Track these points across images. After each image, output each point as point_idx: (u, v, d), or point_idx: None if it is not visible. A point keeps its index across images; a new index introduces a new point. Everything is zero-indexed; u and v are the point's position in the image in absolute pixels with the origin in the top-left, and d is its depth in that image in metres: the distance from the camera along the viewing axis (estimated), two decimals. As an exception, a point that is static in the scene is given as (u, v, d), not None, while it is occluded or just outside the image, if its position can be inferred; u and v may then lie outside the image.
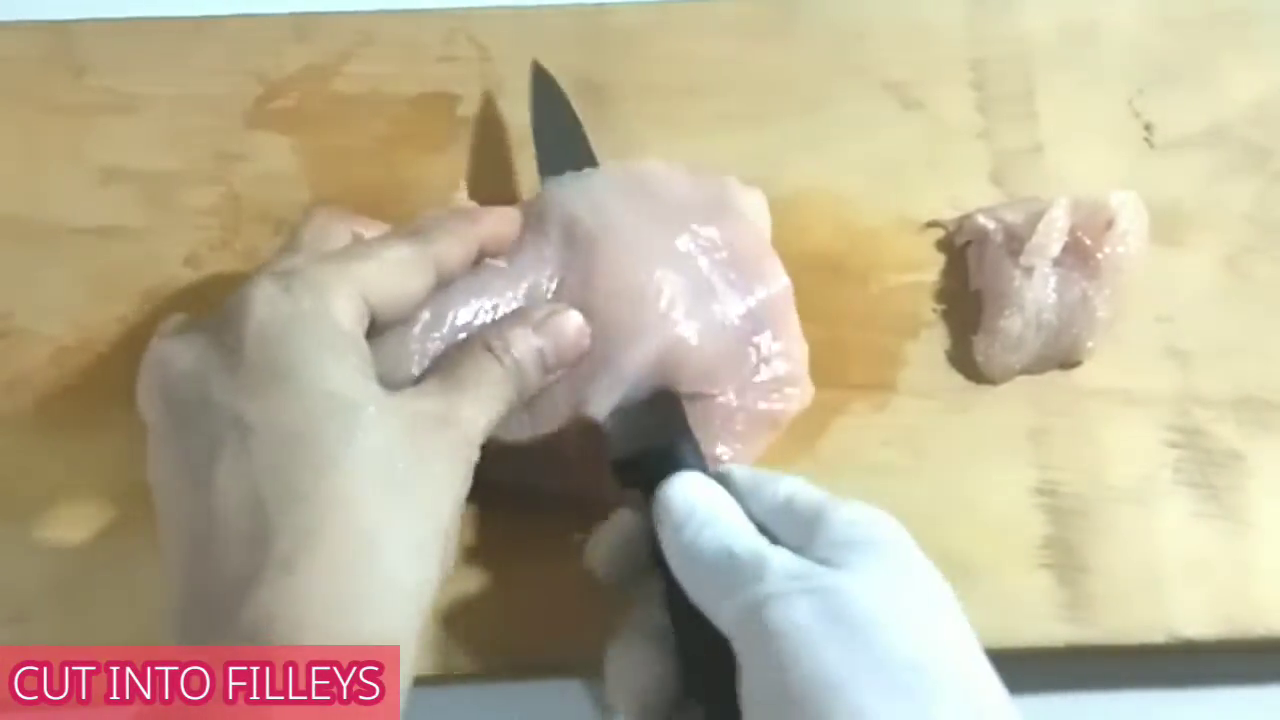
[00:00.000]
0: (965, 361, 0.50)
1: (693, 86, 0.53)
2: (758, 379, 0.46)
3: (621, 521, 0.41)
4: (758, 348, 0.46)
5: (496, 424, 0.41)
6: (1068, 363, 0.50)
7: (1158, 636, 0.46)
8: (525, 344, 0.42)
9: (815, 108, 0.53)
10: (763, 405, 0.46)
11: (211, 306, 0.46)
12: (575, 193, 0.47)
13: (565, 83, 0.52)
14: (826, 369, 0.47)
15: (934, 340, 0.50)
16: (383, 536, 0.36)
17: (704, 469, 0.41)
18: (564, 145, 0.49)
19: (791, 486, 0.40)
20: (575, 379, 0.44)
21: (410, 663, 0.36)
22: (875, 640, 0.34)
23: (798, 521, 0.39)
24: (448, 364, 0.41)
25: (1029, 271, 0.49)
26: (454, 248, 0.43)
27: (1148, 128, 0.54)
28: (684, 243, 0.46)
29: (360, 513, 0.36)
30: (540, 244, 0.46)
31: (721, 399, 0.45)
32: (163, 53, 0.53)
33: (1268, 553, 0.47)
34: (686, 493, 0.39)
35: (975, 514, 0.47)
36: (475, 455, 0.40)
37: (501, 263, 0.45)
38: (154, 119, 0.52)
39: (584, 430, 0.44)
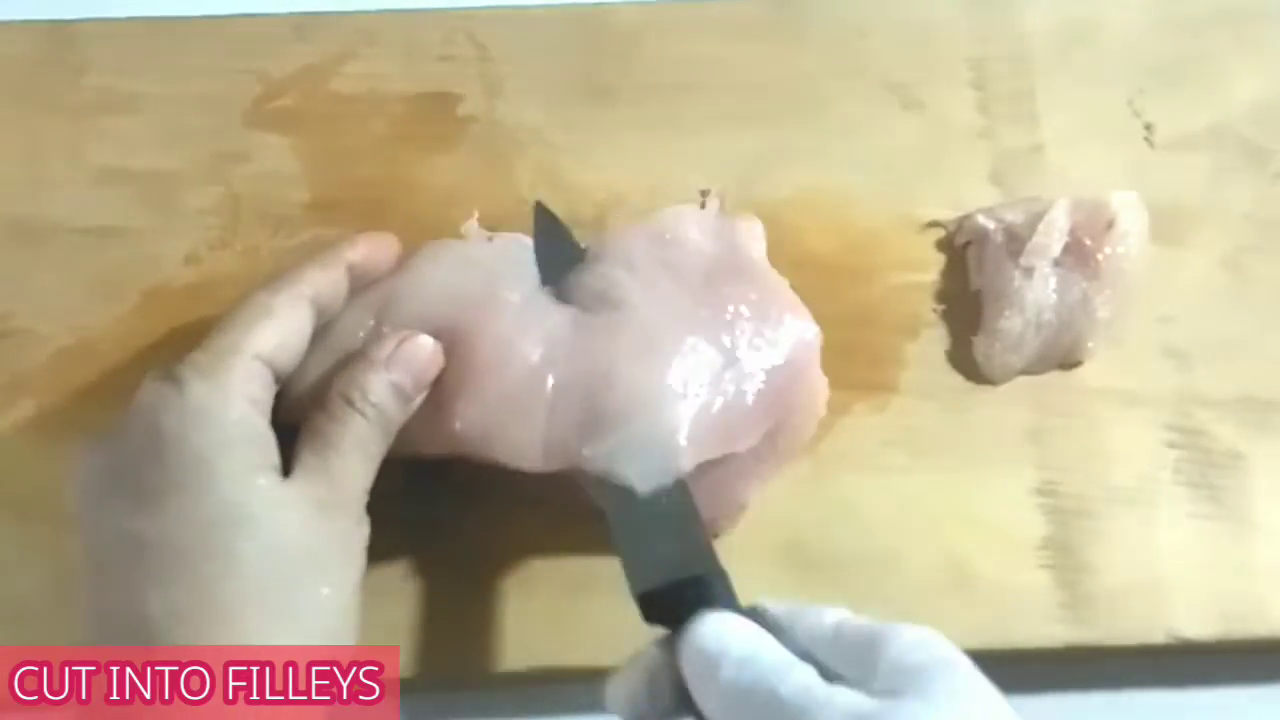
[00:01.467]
0: (965, 361, 0.50)
1: (693, 86, 0.53)
2: (786, 427, 0.45)
3: (646, 660, 0.38)
4: (787, 402, 0.45)
5: (373, 472, 0.41)
6: (1068, 363, 0.50)
7: (1158, 636, 0.46)
8: (380, 385, 0.41)
9: (815, 108, 0.53)
10: (789, 446, 0.46)
11: (211, 306, 0.46)
12: (602, 260, 0.47)
13: (566, 83, 0.52)
14: (827, 369, 0.47)
15: (934, 340, 0.50)
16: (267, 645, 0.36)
17: (735, 602, 0.38)
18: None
19: (838, 615, 0.37)
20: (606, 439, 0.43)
21: None
22: None
23: (851, 652, 0.36)
24: (314, 428, 0.41)
25: (1029, 272, 0.49)
26: (322, 280, 0.43)
27: (1148, 128, 0.54)
28: (709, 305, 0.46)
29: (242, 628, 0.36)
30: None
31: (751, 452, 0.45)
32: (163, 53, 0.53)
33: (1268, 553, 0.47)
34: (720, 631, 0.36)
35: (975, 514, 0.47)
36: (364, 521, 0.40)
37: None
38: (154, 119, 0.52)
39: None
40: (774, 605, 0.38)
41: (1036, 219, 0.50)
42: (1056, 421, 0.49)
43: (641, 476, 0.42)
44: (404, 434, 0.42)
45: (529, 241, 0.47)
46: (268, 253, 0.50)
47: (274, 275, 0.43)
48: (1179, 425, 0.49)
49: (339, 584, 0.39)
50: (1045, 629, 0.46)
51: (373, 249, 0.45)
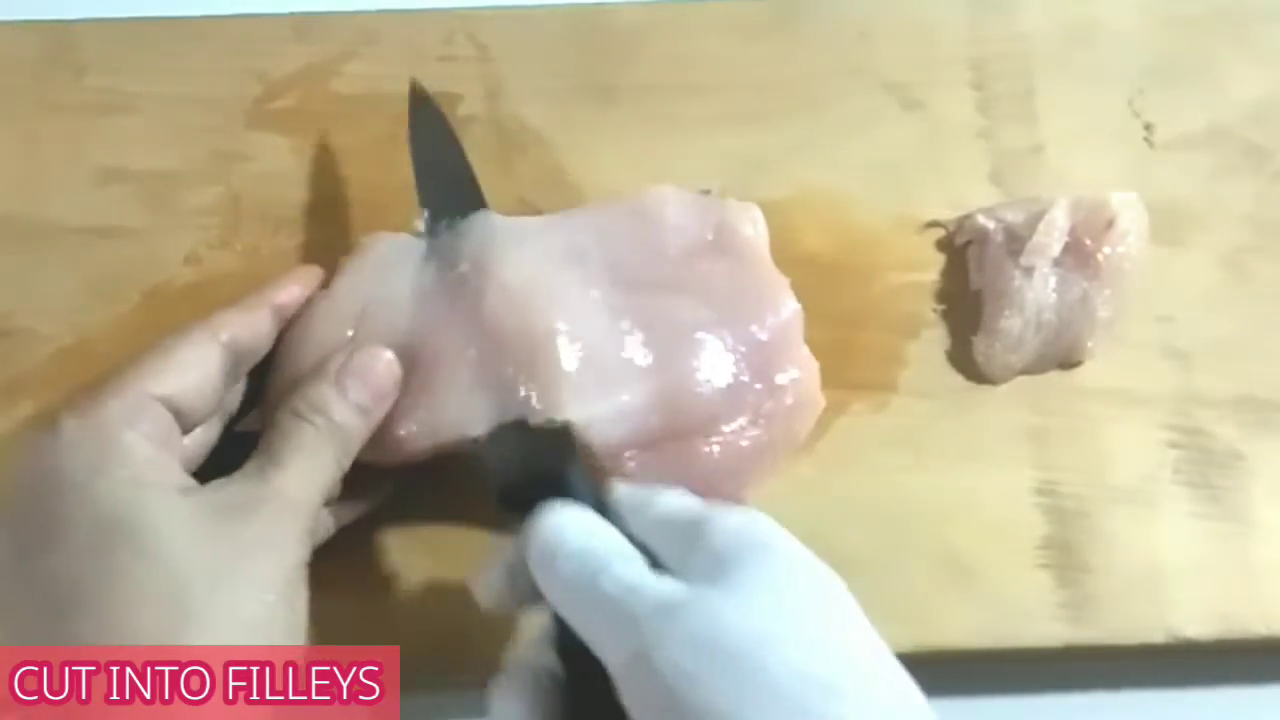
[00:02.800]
0: (965, 361, 0.50)
1: (693, 86, 0.53)
2: (773, 408, 0.45)
3: (504, 552, 0.39)
4: (770, 378, 0.45)
5: (330, 483, 0.41)
6: (1068, 363, 0.50)
7: (1158, 636, 0.46)
8: (331, 398, 0.41)
9: (815, 108, 0.53)
10: (781, 432, 0.46)
11: (211, 306, 0.46)
12: (563, 228, 0.47)
13: (566, 83, 0.52)
14: (827, 369, 0.47)
15: (934, 340, 0.50)
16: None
17: (591, 496, 0.39)
18: (449, 179, 0.48)
19: (668, 501, 0.38)
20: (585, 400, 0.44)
21: None
22: (763, 661, 0.32)
23: (676, 537, 0.37)
24: (264, 441, 0.41)
25: (1029, 271, 0.49)
26: (238, 322, 0.43)
27: (1148, 128, 0.54)
28: (685, 282, 0.46)
29: (156, 641, 0.35)
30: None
31: (739, 434, 0.45)
32: (163, 53, 0.53)
33: (1268, 553, 0.47)
34: (556, 525, 0.37)
35: (975, 514, 0.47)
36: (303, 524, 0.39)
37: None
38: (154, 119, 0.52)
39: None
40: (624, 489, 0.39)
41: (1036, 219, 0.50)
42: (1056, 421, 0.49)
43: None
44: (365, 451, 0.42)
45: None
46: (268, 253, 0.50)
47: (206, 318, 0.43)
48: (1179, 425, 0.49)
49: (257, 585, 0.37)
50: (1045, 629, 0.46)
51: (302, 288, 0.45)
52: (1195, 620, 0.46)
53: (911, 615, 0.46)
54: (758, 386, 0.45)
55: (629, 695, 0.34)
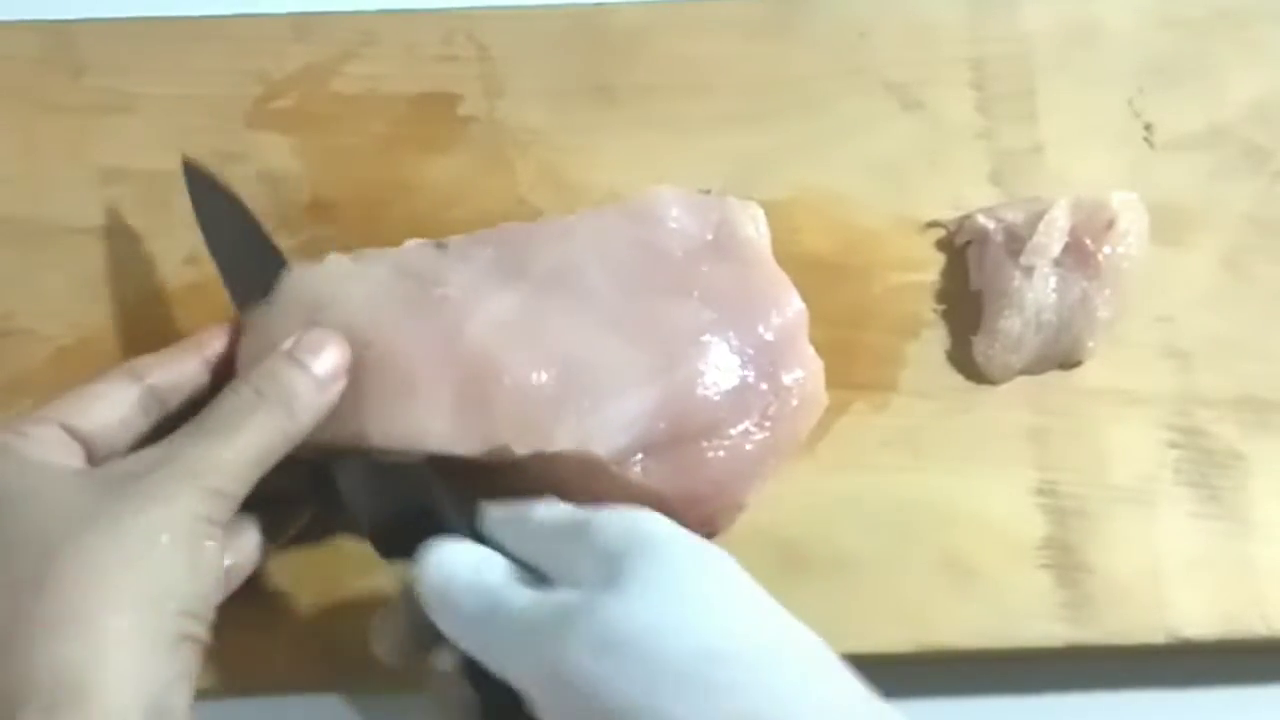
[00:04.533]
0: (965, 361, 0.50)
1: (693, 86, 0.53)
2: (779, 409, 0.45)
3: (397, 606, 0.40)
4: (777, 379, 0.45)
5: (271, 450, 0.40)
6: (1068, 363, 0.50)
7: (1158, 636, 0.46)
8: (281, 369, 0.41)
9: (815, 108, 0.53)
10: (786, 432, 0.46)
11: (211, 306, 0.46)
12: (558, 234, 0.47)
13: (566, 83, 0.52)
14: (827, 369, 0.47)
15: (934, 340, 0.50)
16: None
17: (466, 525, 0.40)
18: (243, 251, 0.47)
19: (543, 513, 0.39)
20: (580, 415, 0.44)
21: None
22: (663, 650, 0.34)
23: (560, 546, 0.38)
24: (205, 410, 0.41)
25: (1029, 271, 0.49)
26: (162, 365, 0.43)
27: (1148, 128, 0.54)
28: (688, 284, 0.46)
29: (84, 620, 0.35)
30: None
31: (745, 437, 0.45)
32: (163, 53, 0.53)
33: (1268, 553, 0.47)
34: (441, 564, 0.38)
35: (975, 514, 0.47)
36: (204, 482, 0.38)
37: None
38: (154, 119, 0.52)
39: (584, 461, 0.44)
40: (495, 511, 0.40)
41: (1036, 219, 0.50)
42: (1056, 421, 0.49)
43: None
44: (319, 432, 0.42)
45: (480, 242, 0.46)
46: (267, 252, 0.50)
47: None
48: (1179, 425, 0.49)
49: (144, 529, 0.37)
50: (1045, 629, 0.46)
51: (230, 336, 0.45)
52: (1195, 620, 0.46)
53: (911, 615, 0.46)
54: (763, 387, 0.45)
55: (547, 711, 0.35)
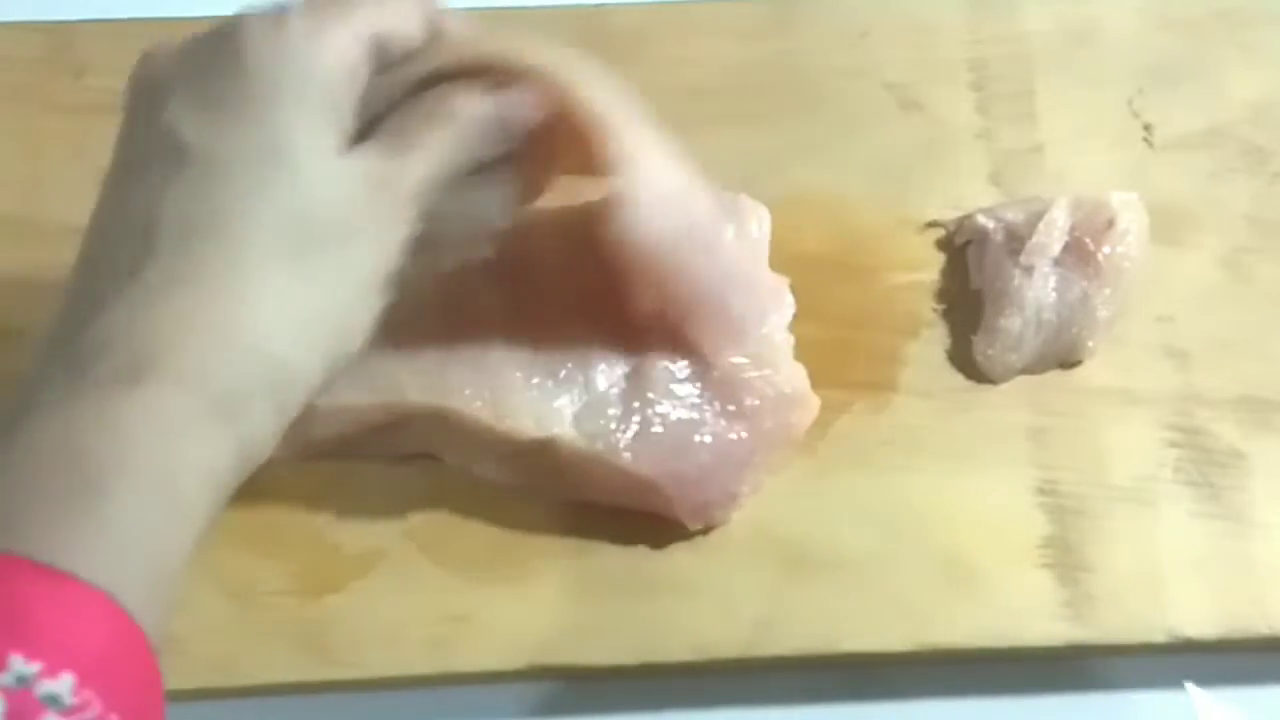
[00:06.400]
0: (965, 361, 0.50)
1: (693, 86, 0.53)
2: (768, 410, 0.46)
3: None
4: (768, 381, 0.46)
5: (442, 182, 0.38)
6: (1068, 362, 0.50)
7: (1158, 636, 0.46)
8: (477, 105, 0.39)
9: (815, 108, 0.53)
10: (773, 424, 0.46)
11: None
12: None
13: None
14: (827, 369, 0.47)
15: (934, 340, 0.50)
16: (263, 303, 0.35)
17: None
18: None
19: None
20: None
21: (264, 448, 0.35)
22: None
23: None
24: (398, 120, 0.39)
25: (1029, 271, 0.49)
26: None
27: (1148, 128, 0.54)
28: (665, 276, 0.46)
29: (246, 272, 0.35)
30: None
31: (729, 426, 0.45)
32: (163, 53, 0.53)
33: (1268, 552, 0.47)
34: None
35: (975, 514, 0.47)
36: (412, 217, 0.38)
37: None
38: (154, 119, 0.52)
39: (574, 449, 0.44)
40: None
41: (1036, 219, 0.50)
42: (1056, 421, 0.49)
43: None
44: None
45: None
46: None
47: None
48: (1179, 424, 0.49)
49: (364, 265, 0.37)
50: (1046, 628, 0.46)
51: None
52: (1195, 620, 0.46)
53: (911, 615, 0.46)
54: (740, 378, 0.46)
55: None
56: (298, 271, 0.36)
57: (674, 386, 0.45)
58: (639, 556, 0.46)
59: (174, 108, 0.37)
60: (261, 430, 0.35)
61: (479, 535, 0.46)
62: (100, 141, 0.52)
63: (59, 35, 0.53)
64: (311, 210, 0.36)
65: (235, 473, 0.35)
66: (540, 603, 0.46)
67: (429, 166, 0.38)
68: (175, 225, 0.35)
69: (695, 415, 0.45)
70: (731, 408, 0.45)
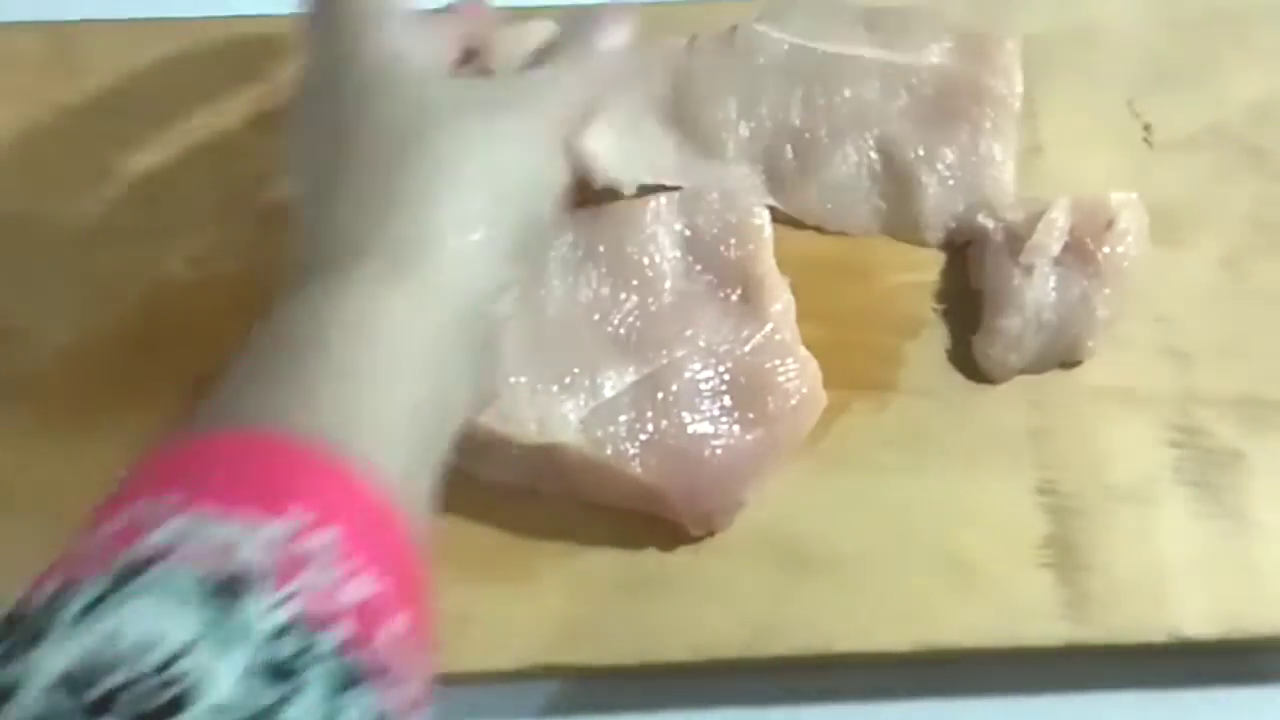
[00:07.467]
0: (965, 361, 0.50)
1: (693, 86, 0.53)
2: (776, 408, 0.46)
3: None
4: (771, 379, 0.46)
5: (590, 108, 0.42)
6: (1068, 362, 0.50)
7: (1158, 636, 0.46)
8: (619, 35, 0.44)
9: (815, 108, 0.53)
10: (784, 431, 0.46)
11: (211, 307, 0.46)
12: None
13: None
14: (827, 369, 0.47)
15: (934, 340, 0.50)
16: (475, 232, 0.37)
17: None
18: None
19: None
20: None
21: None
22: None
23: None
24: (548, 57, 0.43)
25: (1029, 271, 0.49)
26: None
27: (1148, 128, 0.54)
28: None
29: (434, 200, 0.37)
30: None
31: (742, 435, 0.45)
32: (162, 53, 0.53)
33: (1269, 552, 0.47)
34: None
35: (975, 514, 0.47)
36: (574, 117, 0.41)
37: None
38: (154, 119, 0.52)
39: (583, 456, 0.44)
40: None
41: (1036, 219, 0.50)
42: (1056, 421, 0.49)
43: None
44: None
45: None
46: (268, 252, 0.50)
47: None
48: (1179, 424, 0.49)
49: (541, 132, 0.40)
50: (1046, 628, 0.46)
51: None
52: (1196, 620, 0.46)
53: (911, 615, 0.46)
54: (758, 386, 0.46)
55: None
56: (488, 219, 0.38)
57: (692, 396, 0.45)
58: (639, 557, 0.46)
59: (319, 106, 0.41)
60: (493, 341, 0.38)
61: (480, 535, 0.46)
62: (100, 141, 0.52)
63: (59, 35, 0.53)
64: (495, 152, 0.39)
65: (475, 392, 0.38)
66: (541, 603, 0.45)
67: (577, 96, 0.42)
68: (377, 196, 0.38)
69: (711, 428, 0.45)
70: (751, 415, 0.45)
